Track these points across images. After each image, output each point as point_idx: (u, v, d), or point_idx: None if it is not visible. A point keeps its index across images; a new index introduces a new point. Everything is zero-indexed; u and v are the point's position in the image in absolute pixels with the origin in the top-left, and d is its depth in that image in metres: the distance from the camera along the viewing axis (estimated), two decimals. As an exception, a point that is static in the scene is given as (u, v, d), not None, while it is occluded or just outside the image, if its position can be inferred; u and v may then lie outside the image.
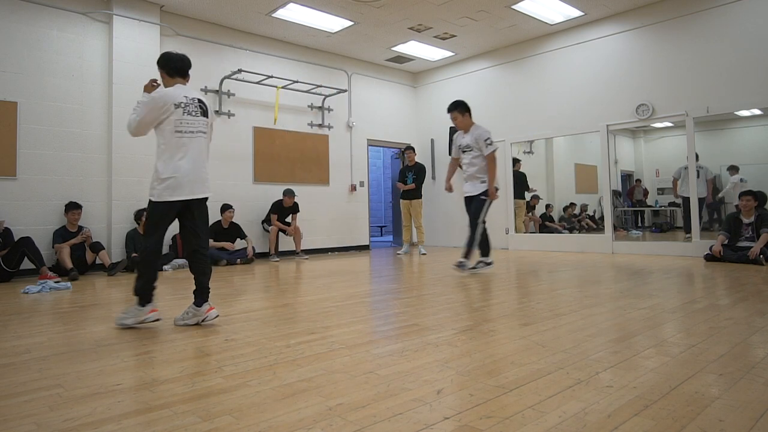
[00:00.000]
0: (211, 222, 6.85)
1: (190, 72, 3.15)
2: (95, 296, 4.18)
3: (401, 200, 7.99)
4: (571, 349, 2.24)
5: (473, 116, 5.17)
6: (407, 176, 7.92)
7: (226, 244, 6.65)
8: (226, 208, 6.79)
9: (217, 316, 2.93)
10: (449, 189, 5.34)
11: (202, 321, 2.91)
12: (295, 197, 7.49)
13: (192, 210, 3.05)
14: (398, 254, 7.85)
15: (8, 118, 5.58)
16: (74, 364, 2.17)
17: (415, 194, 7.84)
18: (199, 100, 3.06)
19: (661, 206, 9.97)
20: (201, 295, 2.93)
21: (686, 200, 6.86)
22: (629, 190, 10.22)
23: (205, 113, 3.07)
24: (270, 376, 1.94)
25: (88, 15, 6.17)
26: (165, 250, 6.50)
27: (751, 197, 5.69)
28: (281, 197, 7.45)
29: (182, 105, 2.95)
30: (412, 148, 8.12)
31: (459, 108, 5.06)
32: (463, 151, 5.06)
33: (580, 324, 2.75)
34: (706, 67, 6.47)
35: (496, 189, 5.02)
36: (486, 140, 4.88)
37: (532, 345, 2.33)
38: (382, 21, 7.29)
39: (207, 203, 3.12)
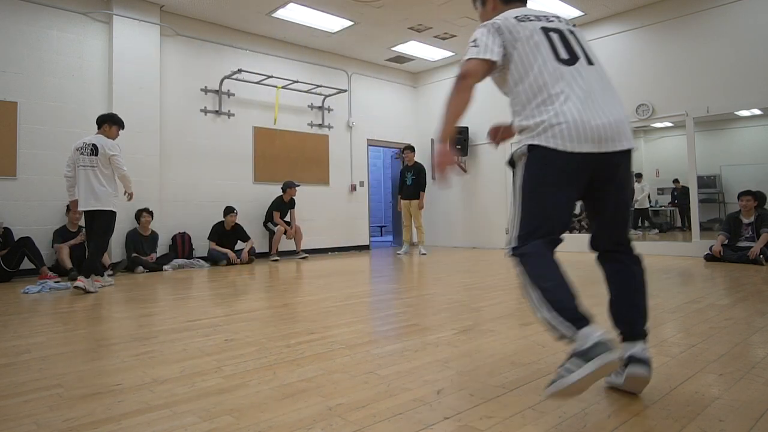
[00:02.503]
0: (214, 223, 6.87)
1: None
2: (95, 296, 4.18)
3: (401, 200, 7.97)
4: (571, 349, 2.24)
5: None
6: (406, 177, 7.90)
7: (229, 253, 6.62)
8: (229, 211, 6.79)
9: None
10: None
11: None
12: (295, 190, 7.47)
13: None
14: (398, 254, 7.85)
15: (8, 118, 5.58)
16: (74, 364, 2.17)
17: (416, 195, 7.82)
18: (93, 144, 4.68)
19: (660, 206, 9.97)
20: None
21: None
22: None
23: (93, 152, 4.65)
24: (270, 376, 1.94)
25: (88, 15, 6.17)
26: (165, 250, 6.51)
27: (751, 197, 5.69)
28: (280, 194, 7.46)
29: (79, 148, 4.67)
30: (411, 148, 8.08)
31: None
32: None
33: (580, 324, 2.75)
34: (706, 67, 6.47)
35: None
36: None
37: (532, 345, 2.33)
38: (382, 21, 7.29)
39: (106, 215, 4.56)
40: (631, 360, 1.63)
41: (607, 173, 1.72)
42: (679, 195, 9.59)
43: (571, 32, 1.89)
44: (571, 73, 1.73)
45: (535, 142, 1.71)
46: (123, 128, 4.95)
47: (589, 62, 1.80)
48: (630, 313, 1.80)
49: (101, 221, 4.52)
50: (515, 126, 1.89)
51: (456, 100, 1.87)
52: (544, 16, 1.89)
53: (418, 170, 7.88)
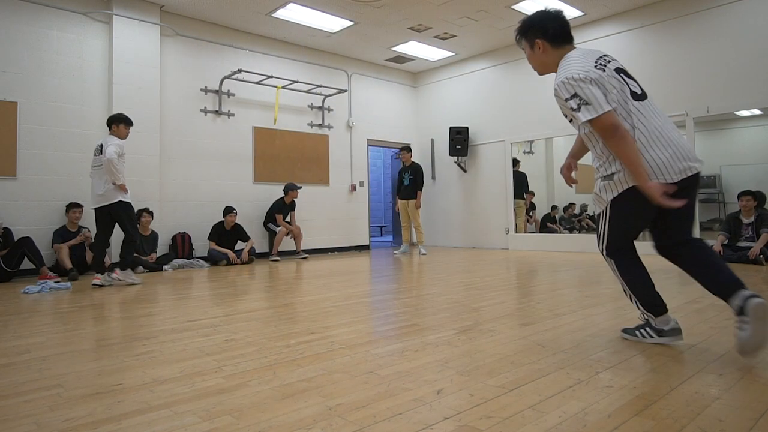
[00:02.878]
0: (214, 223, 6.87)
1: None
2: (95, 296, 4.18)
3: (399, 200, 7.96)
4: (571, 349, 2.24)
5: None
6: (404, 177, 7.89)
7: (229, 253, 6.61)
8: (228, 211, 6.79)
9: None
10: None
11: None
12: (297, 192, 7.48)
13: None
14: (395, 254, 7.84)
15: (8, 118, 5.58)
16: (74, 364, 2.17)
17: (413, 194, 7.80)
18: (100, 144, 4.89)
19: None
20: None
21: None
22: None
23: (99, 152, 4.83)
24: (270, 376, 1.94)
25: (88, 15, 6.17)
26: (165, 249, 6.52)
27: (751, 197, 5.69)
28: (281, 196, 7.46)
29: (94, 151, 4.98)
30: (408, 149, 8.06)
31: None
32: None
33: (580, 324, 2.75)
34: (706, 67, 6.47)
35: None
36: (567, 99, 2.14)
37: (532, 345, 2.33)
38: (382, 21, 7.29)
39: (117, 207, 4.79)
40: (748, 298, 1.90)
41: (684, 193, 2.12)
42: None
43: (623, 67, 2.20)
44: (645, 108, 2.13)
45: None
46: (130, 125, 5.04)
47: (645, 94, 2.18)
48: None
49: (117, 215, 4.81)
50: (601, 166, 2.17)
51: (626, 147, 2.00)
52: (606, 57, 2.15)
53: (416, 170, 7.86)
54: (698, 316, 2.87)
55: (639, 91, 2.12)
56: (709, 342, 2.32)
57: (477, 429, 1.44)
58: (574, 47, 2.22)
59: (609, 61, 2.13)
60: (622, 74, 2.11)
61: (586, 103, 1.98)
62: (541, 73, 2.33)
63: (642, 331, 2.34)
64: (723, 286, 2.04)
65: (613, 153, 2.04)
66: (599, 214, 2.27)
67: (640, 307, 2.30)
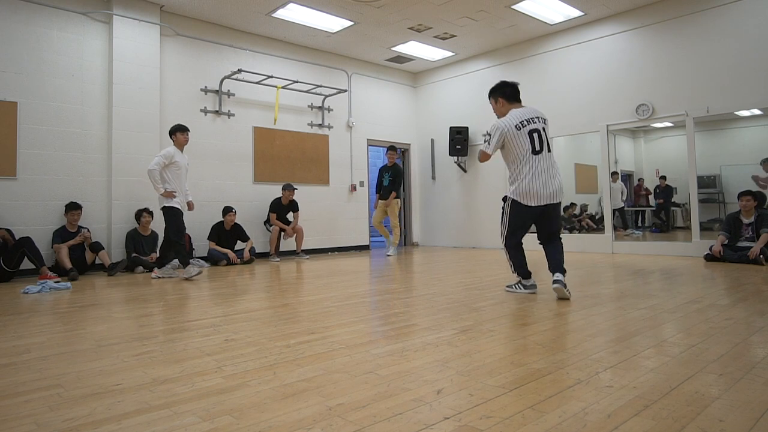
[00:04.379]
0: (214, 223, 6.87)
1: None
2: (95, 296, 4.18)
3: (379, 200, 7.81)
4: (571, 349, 2.24)
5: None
6: (384, 176, 7.83)
7: (230, 253, 6.61)
8: (227, 210, 6.79)
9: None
10: None
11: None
12: (295, 191, 7.48)
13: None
14: (388, 255, 7.79)
15: (8, 118, 5.58)
16: (74, 364, 2.17)
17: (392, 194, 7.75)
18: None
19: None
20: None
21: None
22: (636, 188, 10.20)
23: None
24: (270, 376, 1.94)
25: (88, 15, 6.17)
26: (165, 250, 6.51)
27: (751, 197, 5.69)
28: (280, 197, 7.46)
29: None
30: (395, 149, 8.05)
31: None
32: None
33: (580, 324, 2.75)
34: (706, 67, 6.47)
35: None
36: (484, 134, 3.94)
37: (532, 345, 2.33)
38: (382, 21, 7.29)
39: (164, 213, 5.25)
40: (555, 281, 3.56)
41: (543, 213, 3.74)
42: (661, 192, 9.54)
43: (544, 129, 3.65)
44: (537, 158, 3.58)
45: (513, 198, 3.69)
46: (183, 131, 5.38)
47: (549, 150, 3.64)
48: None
49: (164, 218, 5.29)
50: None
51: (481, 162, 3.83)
52: (532, 120, 3.60)
53: (397, 171, 7.82)
54: (698, 316, 2.88)
55: (538, 148, 3.56)
56: (709, 342, 2.32)
57: (477, 429, 1.44)
58: (522, 105, 3.73)
59: (530, 123, 3.57)
60: (534, 134, 3.56)
61: (487, 143, 3.64)
62: (499, 118, 3.70)
63: (515, 285, 3.89)
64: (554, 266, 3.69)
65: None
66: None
67: (518, 270, 3.86)
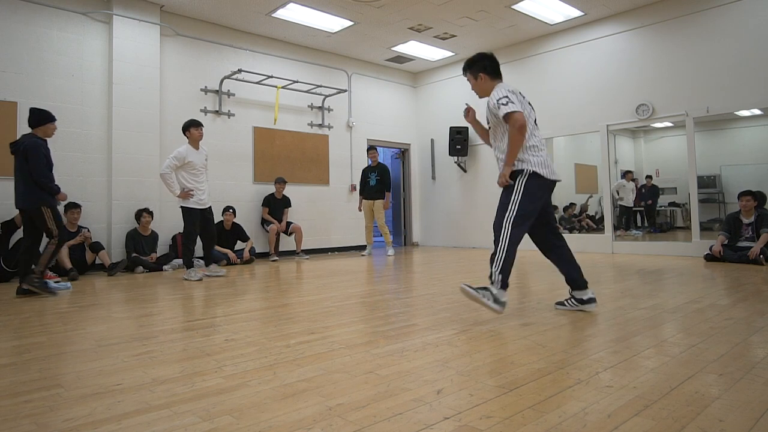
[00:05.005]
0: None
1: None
2: (95, 296, 4.18)
3: (364, 200, 7.78)
4: (571, 349, 2.24)
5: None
6: (370, 177, 7.80)
7: (229, 253, 6.60)
8: (225, 210, 6.79)
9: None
10: None
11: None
12: (286, 185, 7.52)
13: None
14: (362, 255, 7.79)
15: (8, 118, 5.58)
16: (74, 364, 2.17)
17: (380, 195, 7.72)
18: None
19: (660, 206, 9.97)
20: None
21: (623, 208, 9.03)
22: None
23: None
24: (270, 376, 1.94)
25: (88, 15, 6.17)
26: (165, 250, 6.51)
27: (751, 197, 5.69)
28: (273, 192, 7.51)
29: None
30: (375, 148, 8.05)
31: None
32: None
33: (580, 324, 2.75)
34: (706, 67, 6.47)
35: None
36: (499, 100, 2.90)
37: (532, 345, 2.33)
38: (382, 21, 7.29)
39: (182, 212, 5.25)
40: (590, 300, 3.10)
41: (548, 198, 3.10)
42: (647, 192, 9.50)
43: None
44: (537, 131, 3.03)
45: (535, 170, 2.89)
46: (197, 126, 5.29)
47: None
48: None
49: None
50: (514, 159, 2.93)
51: (521, 141, 2.84)
52: (522, 94, 3.05)
53: (384, 170, 7.79)
54: (698, 316, 2.87)
55: (534, 119, 3.05)
56: (709, 342, 2.32)
57: (477, 429, 1.44)
58: (503, 81, 3.08)
59: (524, 97, 3.05)
60: (531, 105, 3.07)
61: (512, 102, 2.82)
62: (481, 97, 3.12)
63: (481, 293, 2.80)
64: (574, 280, 3.13)
65: (512, 146, 2.84)
66: (503, 201, 2.99)
67: (503, 275, 2.83)
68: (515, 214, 2.85)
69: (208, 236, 5.45)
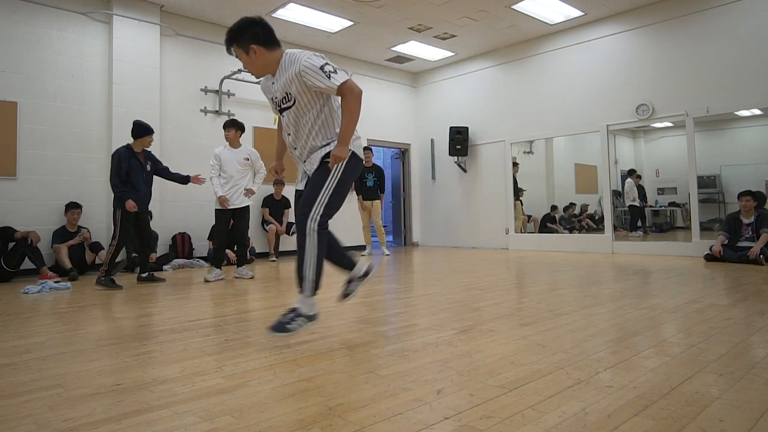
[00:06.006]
0: (213, 223, 6.85)
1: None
2: (95, 296, 4.18)
3: (363, 201, 7.82)
4: (571, 349, 2.24)
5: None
6: (367, 177, 7.81)
7: (229, 253, 6.58)
8: None
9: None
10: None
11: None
12: (285, 186, 7.54)
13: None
14: (362, 255, 7.81)
15: (8, 118, 5.58)
16: (74, 364, 2.17)
17: (377, 195, 7.78)
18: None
19: (661, 206, 9.97)
20: None
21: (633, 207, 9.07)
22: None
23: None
24: (270, 376, 1.94)
25: (88, 15, 6.17)
26: (165, 250, 6.51)
27: (751, 197, 5.69)
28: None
29: None
30: (370, 149, 8.07)
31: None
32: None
33: (580, 324, 2.75)
34: (706, 67, 6.47)
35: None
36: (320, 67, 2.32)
37: (532, 345, 2.33)
38: (382, 21, 7.29)
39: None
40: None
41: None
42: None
43: None
44: None
45: (355, 151, 2.43)
46: (231, 127, 5.20)
47: None
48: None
49: None
50: (326, 140, 2.44)
51: (359, 108, 2.34)
52: None
53: (379, 172, 7.84)
54: (698, 316, 2.87)
55: None
56: (709, 342, 2.32)
57: (477, 429, 1.44)
58: (284, 51, 2.43)
59: None
60: None
61: (339, 69, 2.31)
62: (259, 76, 2.49)
63: (295, 324, 2.33)
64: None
65: (349, 113, 2.30)
66: (319, 182, 2.41)
67: (314, 285, 2.34)
68: (327, 202, 2.42)
69: (232, 237, 5.44)
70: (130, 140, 5.07)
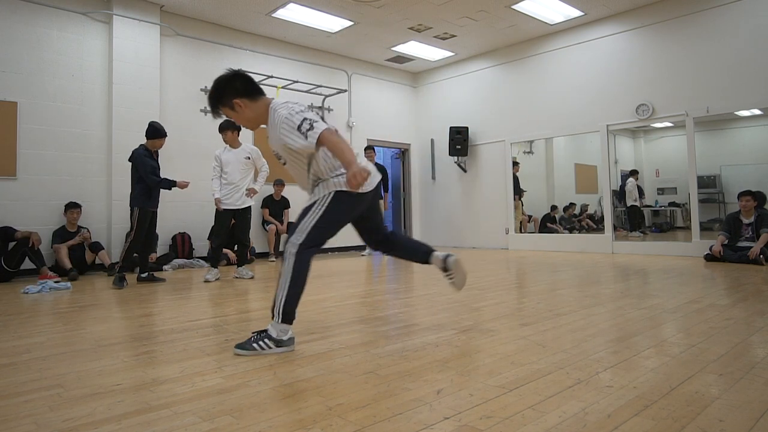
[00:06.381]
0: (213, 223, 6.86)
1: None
2: (95, 296, 4.18)
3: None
4: (571, 349, 2.24)
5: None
6: None
7: (230, 253, 6.58)
8: None
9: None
10: None
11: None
12: (285, 186, 7.54)
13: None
14: (362, 255, 7.80)
15: (8, 118, 5.58)
16: (74, 364, 2.17)
17: (379, 194, 7.75)
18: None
19: (661, 206, 9.97)
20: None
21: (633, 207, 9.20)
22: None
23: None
24: (270, 376, 1.94)
25: (88, 15, 6.17)
26: (165, 250, 6.51)
27: (751, 197, 5.69)
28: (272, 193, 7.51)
29: None
30: (373, 148, 8.06)
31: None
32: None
33: (580, 324, 2.75)
34: (706, 67, 6.47)
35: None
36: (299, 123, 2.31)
37: (532, 345, 2.33)
38: (382, 21, 7.29)
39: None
40: (446, 257, 2.73)
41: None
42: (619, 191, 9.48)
43: None
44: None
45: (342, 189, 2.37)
46: (224, 131, 5.22)
47: None
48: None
49: None
50: (328, 175, 2.41)
51: (346, 145, 2.25)
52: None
53: (383, 171, 7.81)
54: (698, 316, 2.87)
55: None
56: (709, 342, 2.32)
57: (477, 429, 1.43)
58: (270, 98, 2.41)
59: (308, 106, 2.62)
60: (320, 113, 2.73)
61: (314, 121, 2.24)
62: (253, 128, 2.47)
63: (261, 343, 2.27)
64: (423, 254, 2.77)
65: (337, 151, 2.22)
66: (309, 208, 2.39)
67: (281, 312, 2.28)
68: (311, 227, 2.38)
69: (233, 237, 5.48)
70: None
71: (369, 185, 2.45)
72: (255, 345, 2.27)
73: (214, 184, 5.19)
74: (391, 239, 2.90)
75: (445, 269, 2.73)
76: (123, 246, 4.93)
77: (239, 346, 2.30)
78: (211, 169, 5.25)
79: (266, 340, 2.28)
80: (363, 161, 2.37)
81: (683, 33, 6.68)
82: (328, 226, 2.40)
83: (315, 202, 2.38)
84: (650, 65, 6.96)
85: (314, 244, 2.38)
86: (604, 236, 7.47)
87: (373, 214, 2.81)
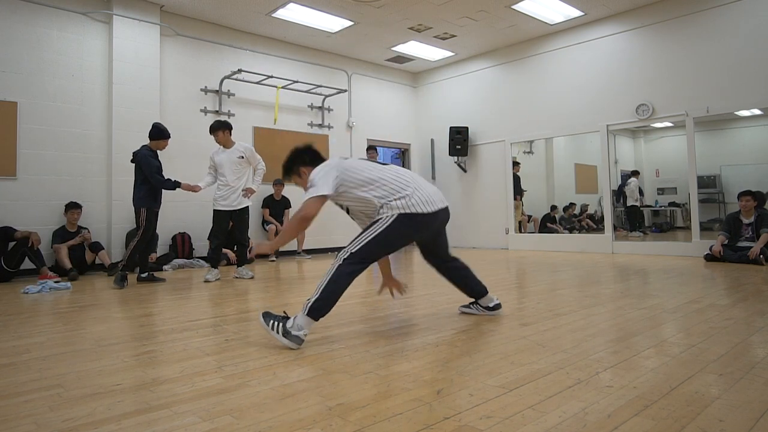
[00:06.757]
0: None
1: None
2: (95, 296, 4.18)
3: None
4: (571, 349, 2.24)
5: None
6: None
7: (230, 253, 6.57)
8: None
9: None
10: None
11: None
12: (284, 187, 7.54)
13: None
14: None
15: (8, 118, 5.58)
16: (74, 364, 2.17)
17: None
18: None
19: (661, 206, 9.98)
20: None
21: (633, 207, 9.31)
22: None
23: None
24: (270, 376, 1.94)
25: (88, 15, 6.17)
26: (165, 250, 6.51)
27: (751, 197, 5.69)
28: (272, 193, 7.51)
29: None
30: (375, 148, 8.05)
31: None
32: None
33: (580, 324, 2.75)
34: (706, 67, 6.47)
35: None
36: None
37: (532, 345, 2.33)
38: (382, 21, 7.29)
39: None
40: (496, 304, 3.02)
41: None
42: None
43: None
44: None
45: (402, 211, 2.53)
46: (214, 132, 5.23)
47: None
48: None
49: None
50: (389, 199, 2.56)
51: (294, 232, 2.61)
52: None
53: None
54: (698, 316, 2.88)
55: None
56: (709, 342, 2.32)
57: (477, 429, 1.44)
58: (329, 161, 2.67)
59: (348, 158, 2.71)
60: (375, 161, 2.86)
61: (315, 186, 2.48)
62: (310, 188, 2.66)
63: (276, 323, 2.38)
64: (477, 293, 3.00)
65: (288, 226, 2.57)
66: (372, 225, 2.52)
67: (311, 306, 2.36)
68: (366, 242, 2.49)
69: (232, 238, 5.48)
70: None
71: (430, 206, 2.58)
72: (272, 321, 2.38)
73: (204, 179, 5.28)
74: (452, 269, 2.98)
75: (487, 308, 3.01)
76: (129, 245, 4.91)
77: (265, 314, 2.44)
78: (209, 169, 5.32)
79: (281, 324, 2.36)
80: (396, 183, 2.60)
81: (683, 33, 6.68)
82: (384, 244, 2.50)
83: (379, 220, 2.51)
84: (650, 65, 6.96)
85: (363, 259, 2.45)
86: (604, 236, 7.47)
87: (436, 238, 2.89)
